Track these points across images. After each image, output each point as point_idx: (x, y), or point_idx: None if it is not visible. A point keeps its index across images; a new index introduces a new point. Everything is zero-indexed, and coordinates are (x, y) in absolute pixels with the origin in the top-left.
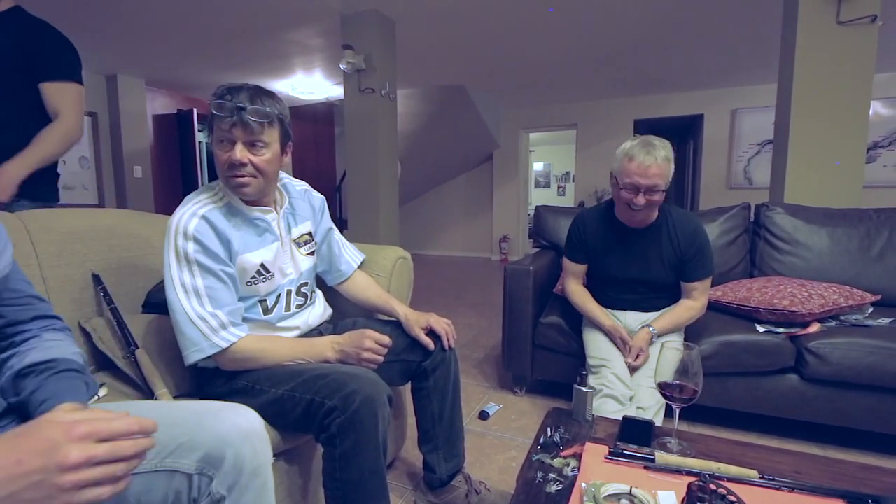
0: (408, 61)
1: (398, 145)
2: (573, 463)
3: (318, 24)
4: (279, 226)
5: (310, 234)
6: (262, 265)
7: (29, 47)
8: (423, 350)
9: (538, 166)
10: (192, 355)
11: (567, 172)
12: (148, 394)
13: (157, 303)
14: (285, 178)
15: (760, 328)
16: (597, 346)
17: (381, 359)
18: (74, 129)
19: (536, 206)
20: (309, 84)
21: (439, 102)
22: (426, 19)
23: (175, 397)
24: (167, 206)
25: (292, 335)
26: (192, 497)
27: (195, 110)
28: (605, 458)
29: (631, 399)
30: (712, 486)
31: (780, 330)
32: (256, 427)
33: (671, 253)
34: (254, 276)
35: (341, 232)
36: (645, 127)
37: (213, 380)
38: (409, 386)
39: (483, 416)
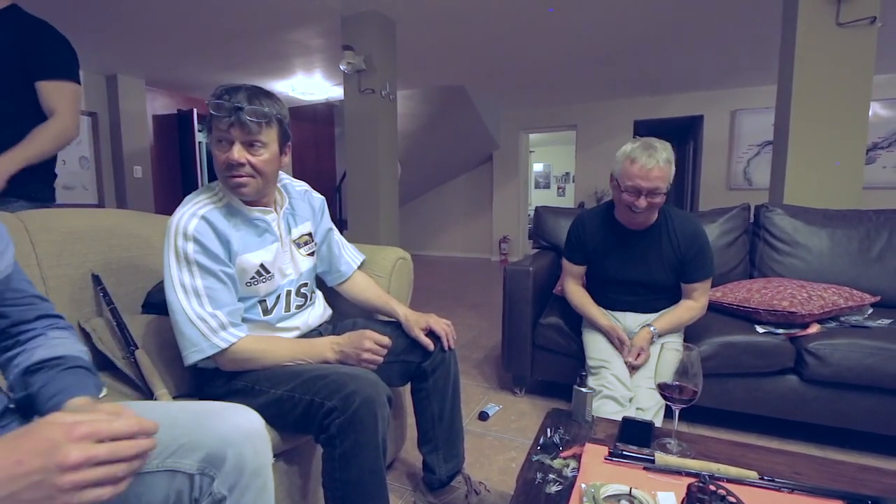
0: (408, 62)
1: (398, 146)
2: (573, 464)
3: (319, 24)
4: (279, 226)
5: (310, 234)
6: (262, 266)
7: (26, 46)
8: (423, 351)
9: (538, 167)
10: (192, 356)
11: (567, 173)
12: (147, 394)
13: (156, 303)
14: (285, 178)
15: (760, 329)
16: (596, 347)
17: (380, 359)
18: (69, 127)
19: (536, 207)
20: (309, 84)
21: (439, 103)
22: (426, 20)
23: (174, 398)
24: (167, 206)
25: (292, 336)
26: (194, 497)
27: (195, 110)
28: (605, 458)
29: (630, 400)
30: (712, 487)
31: (780, 331)
32: (258, 427)
33: (671, 254)
34: (253, 277)
35: (341, 232)
36: (645, 128)
37: (212, 380)
38: (408, 386)
39: (483, 416)
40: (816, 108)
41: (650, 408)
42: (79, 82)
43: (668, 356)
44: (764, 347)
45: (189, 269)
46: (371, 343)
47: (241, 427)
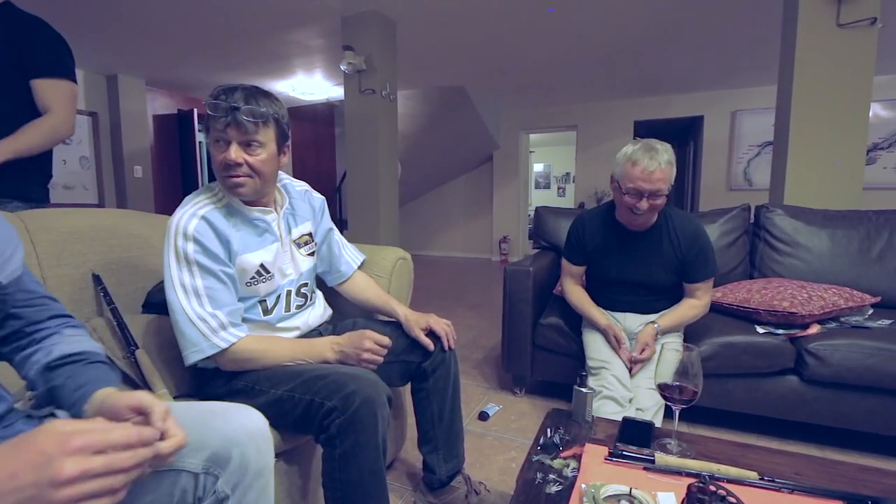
0: (408, 62)
1: (398, 146)
2: (573, 464)
3: (319, 24)
4: (279, 226)
5: (310, 234)
6: (262, 266)
7: (21, 44)
8: (423, 351)
9: (538, 167)
10: (192, 356)
11: (567, 173)
12: None
13: (156, 303)
14: (285, 178)
15: (760, 329)
16: (596, 347)
17: (380, 359)
18: (62, 124)
19: (536, 207)
20: (309, 85)
21: (439, 103)
22: (427, 20)
23: (175, 398)
24: (167, 206)
25: (292, 336)
26: (197, 496)
27: (195, 110)
28: (605, 459)
29: (630, 401)
30: (712, 488)
31: (780, 331)
32: (262, 427)
33: (672, 255)
34: (253, 277)
35: (341, 232)
36: (645, 128)
37: (212, 380)
38: (408, 386)
39: (483, 416)
40: (817, 109)
41: (650, 408)
42: (75, 81)
43: (668, 356)
44: (764, 348)
45: (189, 269)
46: (371, 343)
47: (245, 427)
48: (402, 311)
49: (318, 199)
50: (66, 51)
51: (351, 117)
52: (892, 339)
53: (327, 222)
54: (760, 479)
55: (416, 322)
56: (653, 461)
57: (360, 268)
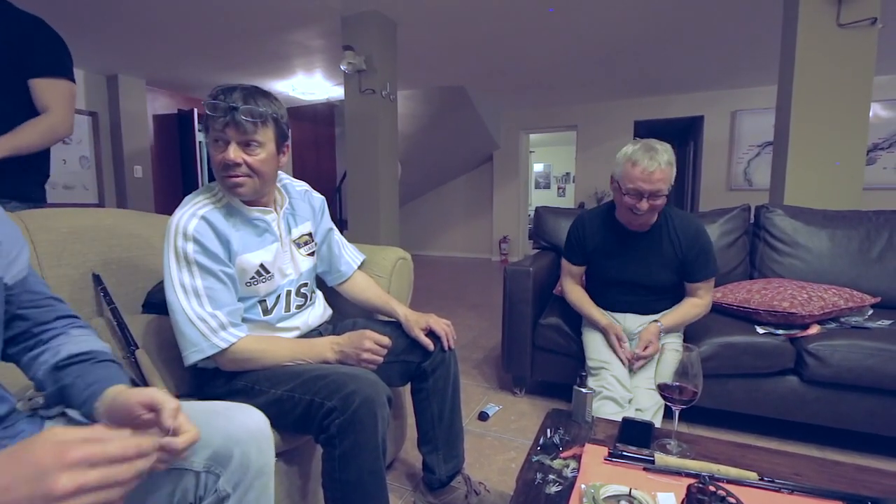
0: (408, 62)
1: (398, 146)
2: (573, 464)
3: (319, 24)
4: (279, 226)
5: (310, 234)
6: (262, 266)
7: (20, 43)
8: (423, 351)
9: (538, 167)
10: (192, 356)
11: (567, 173)
12: None
13: (156, 303)
14: (285, 178)
15: (760, 330)
16: (596, 348)
17: (380, 359)
18: (61, 124)
19: (536, 207)
20: (309, 85)
21: (439, 103)
22: (427, 20)
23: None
24: (167, 206)
25: (292, 336)
26: (199, 495)
27: (195, 110)
28: (605, 459)
29: (630, 402)
30: (712, 488)
31: (780, 331)
32: (263, 427)
33: (672, 255)
34: (253, 277)
35: (341, 232)
36: (645, 128)
37: (212, 380)
38: (408, 387)
39: (483, 416)
40: (817, 109)
41: (649, 408)
42: (73, 80)
43: (668, 357)
44: (764, 348)
45: (189, 270)
46: (371, 343)
47: (247, 426)
48: (402, 311)
49: (318, 198)
50: (64, 50)
51: (351, 117)
52: (891, 339)
53: (327, 222)
54: (760, 479)
55: (416, 322)
56: (652, 461)
57: (360, 268)
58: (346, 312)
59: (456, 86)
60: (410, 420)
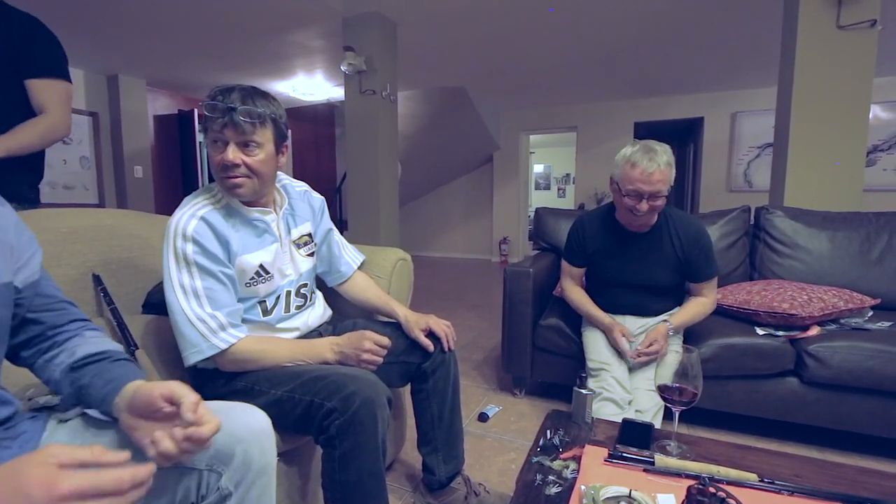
0: (408, 63)
1: (398, 147)
2: (573, 465)
3: (320, 25)
4: (278, 227)
5: (309, 235)
6: (262, 266)
7: (16, 43)
8: (423, 352)
9: (538, 168)
10: (192, 356)
11: (567, 174)
12: None
13: (156, 303)
14: (285, 179)
15: (760, 331)
16: (597, 349)
17: (380, 360)
18: (59, 124)
19: (536, 208)
20: (310, 85)
21: (440, 104)
22: (427, 21)
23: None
24: (167, 206)
25: (292, 336)
26: (201, 494)
27: (196, 111)
28: (605, 460)
29: (630, 403)
30: (712, 489)
31: (780, 333)
32: (265, 426)
33: (673, 255)
34: (253, 278)
35: (341, 233)
36: (645, 129)
37: (212, 381)
38: (408, 387)
39: (482, 417)
40: (817, 111)
41: (649, 409)
42: (70, 80)
43: (668, 358)
44: (764, 349)
45: (188, 270)
46: (370, 344)
47: (249, 425)
48: (402, 312)
49: (318, 199)
50: (60, 50)
51: (351, 118)
52: (891, 341)
53: (327, 223)
54: (760, 480)
55: (416, 323)
56: (652, 463)
57: (359, 268)
58: (346, 313)
59: (456, 86)
60: (410, 421)
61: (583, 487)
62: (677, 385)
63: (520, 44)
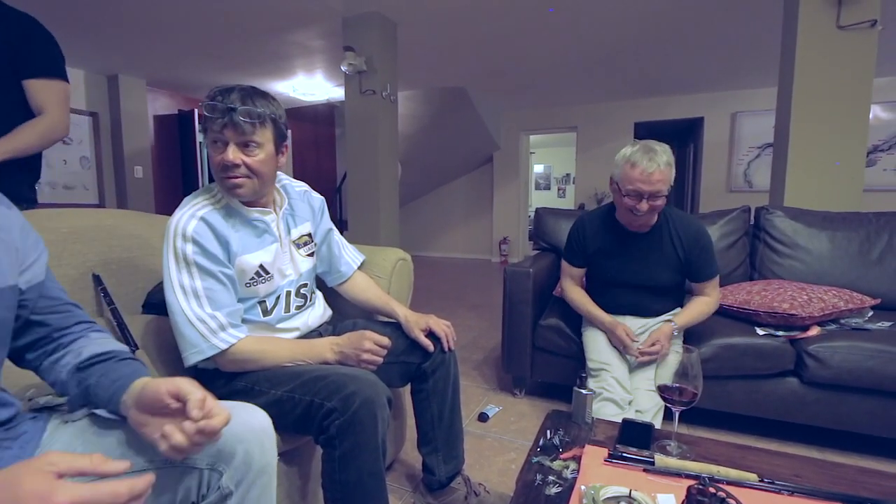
0: (409, 63)
1: (399, 147)
2: (573, 465)
3: (320, 25)
4: (278, 227)
5: (309, 235)
6: (261, 266)
7: (14, 42)
8: (423, 352)
9: (538, 168)
10: (192, 357)
11: (567, 174)
12: None
13: (156, 303)
14: (284, 179)
15: (760, 331)
16: (597, 349)
17: (380, 360)
18: (58, 125)
19: (536, 208)
20: (310, 85)
21: (440, 104)
22: (427, 21)
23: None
24: (167, 206)
25: (292, 336)
26: (201, 493)
27: (196, 111)
28: (605, 460)
29: (630, 403)
30: (712, 489)
31: (780, 333)
32: (266, 426)
33: (674, 255)
34: (253, 278)
35: (341, 233)
36: (645, 130)
37: (212, 381)
38: (408, 387)
39: (482, 417)
40: (817, 111)
41: (649, 409)
42: (67, 80)
43: (668, 358)
44: (764, 349)
45: (188, 271)
46: (370, 344)
47: (250, 424)
48: (402, 312)
49: (318, 199)
50: (57, 50)
51: (351, 118)
52: (891, 341)
53: (327, 223)
54: (760, 481)
55: (416, 323)
56: (652, 463)
57: (359, 268)
58: (346, 313)
59: (456, 86)
60: (410, 421)
61: (583, 487)
62: (677, 385)
63: (520, 44)
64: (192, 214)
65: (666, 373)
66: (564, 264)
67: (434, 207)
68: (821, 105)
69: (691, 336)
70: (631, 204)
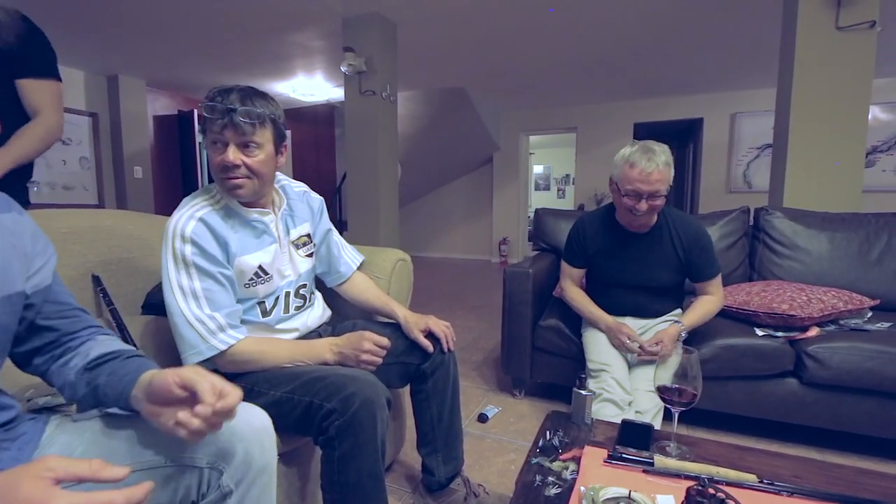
0: (408, 64)
1: (398, 147)
2: (572, 466)
3: (320, 26)
4: (277, 228)
5: (308, 235)
6: (260, 267)
7: (7, 41)
8: (422, 352)
9: (538, 169)
10: (191, 358)
11: (567, 175)
12: None
13: (156, 304)
14: (283, 179)
15: (760, 332)
16: (597, 349)
17: (379, 360)
18: (55, 127)
19: (536, 209)
20: (310, 86)
21: (440, 105)
22: (427, 22)
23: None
24: (167, 206)
25: (291, 337)
26: (201, 492)
27: (196, 111)
28: (604, 461)
29: (630, 404)
30: (711, 490)
31: (780, 334)
32: (266, 425)
33: (674, 255)
34: (252, 279)
35: (341, 234)
36: (645, 130)
37: None
38: (407, 388)
39: (482, 418)
40: (816, 112)
41: (648, 410)
42: (60, 79)
43: (668, 359)
44: (763, 350)
45: (187, 272)
46: (370, 344)
47: (250, 423)
48: (402, 313)
49: (317, 199)
50: (49, 48)
51: (351, 118)
52: (891, 341)
53: (326, 223)
54: (760, 481)
55: (416, 323)
56: (652, 464)
57: (359, 269)
58: (346, 314)
59: (456, 87)
60: (410, 422)
61: (582, 488)
62: (677, 386)
63: (520, 44)
64: (191, 215)
65: (665, 374)
66: (564, 265)
67: (434, 208)
68: (820, 106)
69: (691, 337)
70: (630, 204)
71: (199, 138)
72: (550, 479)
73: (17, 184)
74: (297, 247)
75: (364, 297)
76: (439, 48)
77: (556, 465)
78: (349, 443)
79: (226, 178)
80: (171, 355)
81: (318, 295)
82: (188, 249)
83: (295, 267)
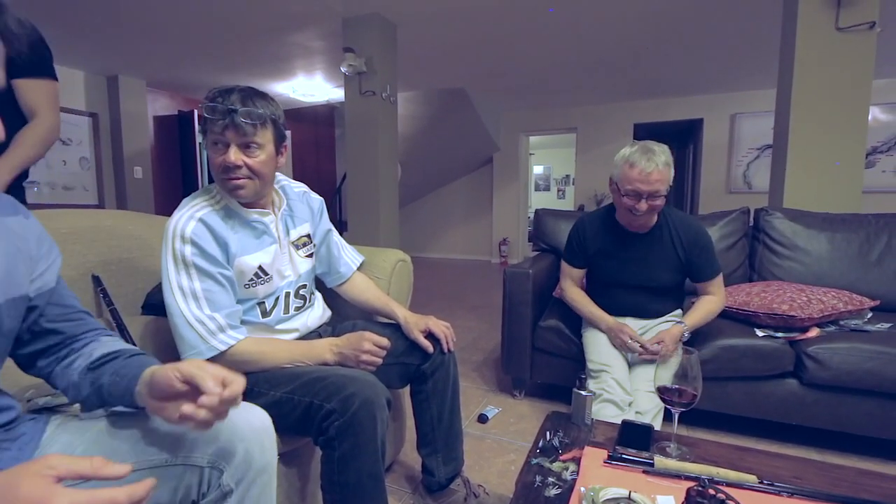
0: (409, 64)
1: (398, 148)
2: (572, 467)
3: (320, 26)
4: (277, 228)
5: (308, 236)
6: (260, 267)
7: (19, 51)
8: (422, 353)
9: (538, 169)
10: (190, 358)
11: (567, 176)
12: None
13: (156, 304)
14: (283, 180)
15: (760, 332)
16: (597, 350)
17: (379, 361)
18: (54, 128)
19: (536, 210)
20: (310, 86)
21: (440, 105)
22: (427, 22)
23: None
24: (167, 207)
25: (291, 338)
26: (202, 491)
27: (196, 112)
28: (605, 462)
29: (630, 405)
30: (711, 491)
31: (780, 334)
32: (266, 425)
33: (674, 255)
34: (252, 279)
35: (341, 234)
36: (645, 131)
37: None
38: (407, 389)
39: (482, 419)
40: (816, 112)
41: (648, 411)
42: (56, 79)
43: (668, 359)
44: (763, 351)
45: (187, 272)
46: (370, 345)
47: (251, 423)
48: (402, 313)
49: (317, 200)
50: (46, 48)
51: (351, 119)
52: (891, 342)
53: (326, 223)
54: (760, 482)
55: (416, 324)
56: (652, 464)
57: (359, 269)
58: (346, 314)
59: (456, 87)
60: (410, 422)
61: (582, 489)
62: (677, 386)
63: (520, 44)
64: (191, 216)
65: (665, 374)
66: (564, 265)
67: (434, 208)
68: (820, 107)
69: (691, 337)
70: (630, 204)
71: (199, 139)
72: (550, 479)
73: (13, 183)
74: (297, 247)
75: (364, 297)
76: (439, 48)
77: (556, 466)
78: (349, 443)
79: (227, 179)
80: (171, 355)
81: (318, 295)
82: (188, 250)
83: (295, 267)
